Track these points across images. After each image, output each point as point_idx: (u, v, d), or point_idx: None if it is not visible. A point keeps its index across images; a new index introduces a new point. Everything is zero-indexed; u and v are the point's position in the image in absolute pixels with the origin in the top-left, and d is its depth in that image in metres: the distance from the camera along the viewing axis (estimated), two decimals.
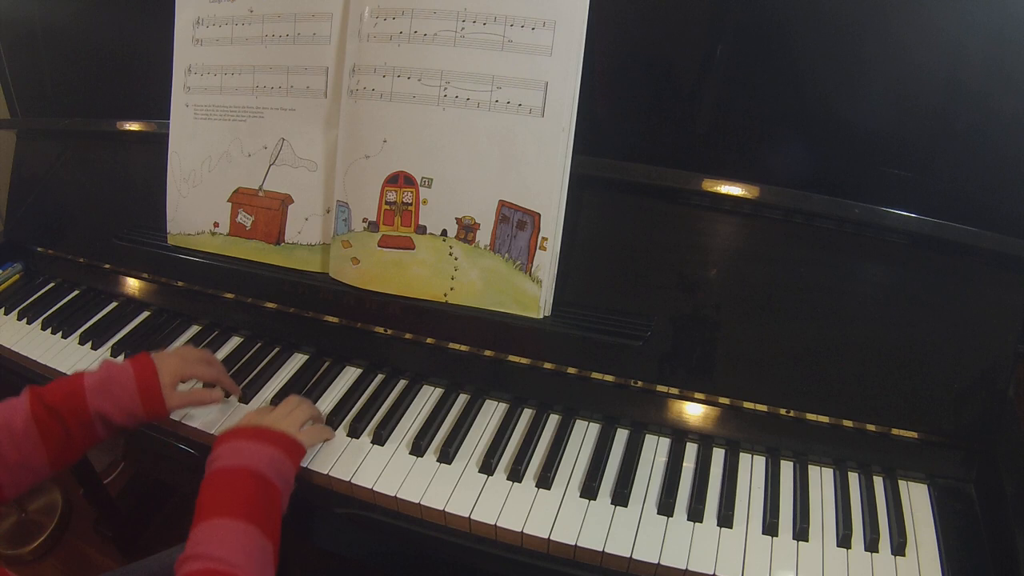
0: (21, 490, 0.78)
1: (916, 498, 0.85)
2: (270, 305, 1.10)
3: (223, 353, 1.10)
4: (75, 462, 0.84)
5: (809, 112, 0.87)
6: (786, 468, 0.88)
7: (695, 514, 0.82)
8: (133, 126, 1.19)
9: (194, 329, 1.15)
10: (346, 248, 0.98)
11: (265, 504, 0.75)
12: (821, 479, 0.87)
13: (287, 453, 0.82)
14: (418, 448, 0.90)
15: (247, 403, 1.00)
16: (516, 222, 0.91)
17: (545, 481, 0.85)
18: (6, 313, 1.23)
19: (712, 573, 0.76)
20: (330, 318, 1.06)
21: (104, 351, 1.11)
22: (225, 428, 0.94)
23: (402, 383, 1.02)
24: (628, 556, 0.78)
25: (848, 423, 0.88)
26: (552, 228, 0.90)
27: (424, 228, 0.94)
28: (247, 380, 1.03)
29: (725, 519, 0.81)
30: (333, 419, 0.95)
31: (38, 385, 0.82)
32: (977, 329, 0.84)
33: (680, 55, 0.90)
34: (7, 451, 0.76)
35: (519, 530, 0.80)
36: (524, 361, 0.97)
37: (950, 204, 0.84)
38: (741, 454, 0.90)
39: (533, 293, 0.91)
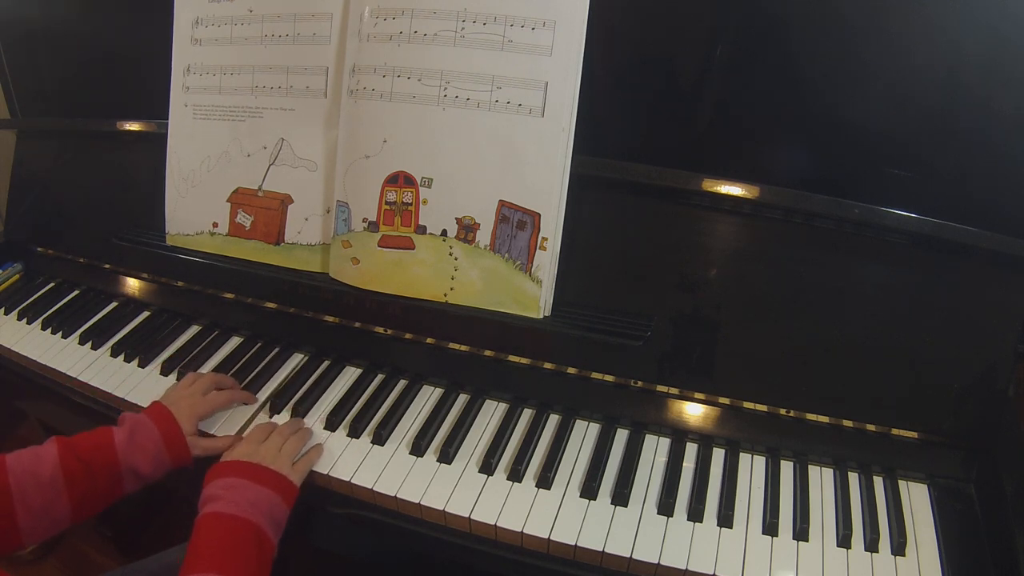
0: (38, 538, 0.78)
1: (916, 498, 0.85)
2: (270, 305, 1.10)
3: (223, 353, 1.10)
4: (95, 514, 0.84)
5: (809, 112, 0.87)
6: (786, 468, 0.88)
7: (695, 514, 0.82)
8: (132, 126, 1.19)
9: (194, 329, 1.15)
10: (346, 248, 0.98)
11: (257, 562, 0.75)
12: (821, 479, 0.87)
13: (283, 497, 0.82)
14: (418, 448, 0.90)
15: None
16: (516, 222, 0.91)
17: (545, 481, 0.85)
18: (6, 313, 1.23)
19: (712, 573, 0.76)
20: (330, 318, 1.06)
21: (104, 351, 1.11)
22: (223, 430, 0.95)
23: (402, 383, 1.02)
24: (628, 556, 0.78)
25: (848, 423, 0.88)
26: (552, 228, 0.90)
27: (424, 228, 0.94)
28: (247, 380, 1.03)
29: (725, 519, 0.81)
30: (333, 419, 0.95)
31: (64, 436, 0.82)
32: (977, 329, 0.84)
33: (680, 55, 0.90)
34: (32, 497, 0.76)
35: (519, 530, 0.80)
36: (524, 361, 0.97)
37: (950, 204, 0.84)
38: (741, 454, 0.90)
39: (533, 293, 0.91)
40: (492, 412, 0.97)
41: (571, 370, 0.96)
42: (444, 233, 0.93)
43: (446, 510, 0.83)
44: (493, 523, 0.81)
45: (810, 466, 0.89)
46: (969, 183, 0.84)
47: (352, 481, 0.87)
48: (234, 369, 1.05)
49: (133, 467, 0.83)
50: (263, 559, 0.76)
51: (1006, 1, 0.77)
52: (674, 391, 0.92)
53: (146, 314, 1.19)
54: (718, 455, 0.90)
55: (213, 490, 0.80)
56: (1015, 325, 0.84)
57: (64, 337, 1.15)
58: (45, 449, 0.80)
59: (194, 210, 1.10)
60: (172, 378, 1.05)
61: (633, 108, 0.93)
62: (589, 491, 0.84)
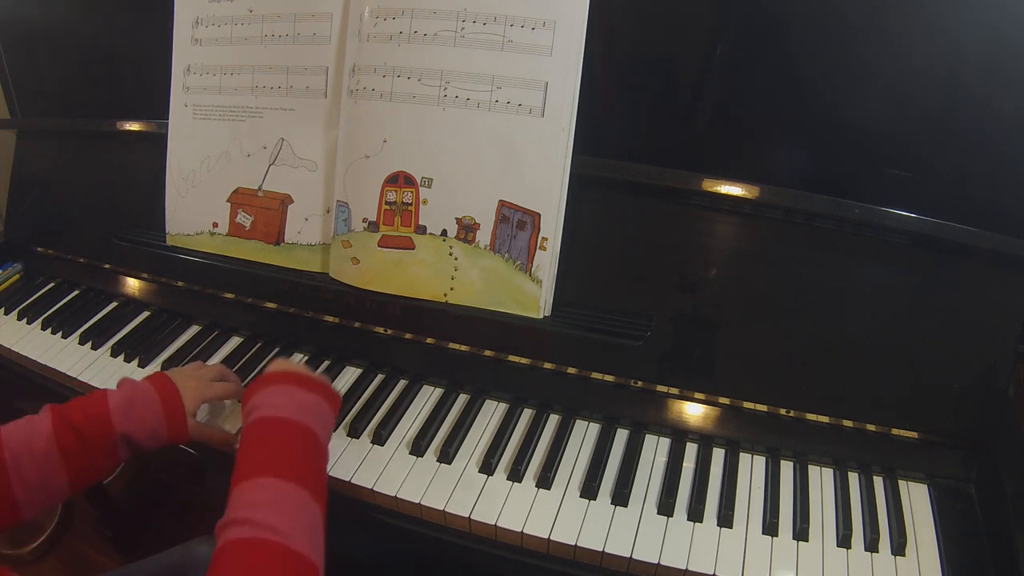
0: (37, 511, 0.76)
1: (916, 498, 0.85)
2: (270, 305, 1.10)
3: (223, 353, 1.10)
4: (93, 484, 0.81)
5: (809, 112, 0.87)
6: (786, 468, 0.88)
7: (695, 514, 0.82)
8: (132, 126, 1.19)
9: (194, 329, 1.15)
10: (346, 248, 0.98)
11: (314, 464, 0.72)
12: (821, 479, 0.87)
13: (330, 402, 0.80)
14: (418, 448, 0.90)
15: None
16: (516, 222, 0.91)
17: (545, 481, 0.85)
18: (6, 313, 1.23)
19: (712, 573, 0.76)
20: (330, 318, 1.06)
21: (104, 351, 1.11)
22: (225, 422, 0.95)
23: (402, 383, 1.02)
24: (628, 556, 0.78)
25: (848, 423, 0.88)
26: (552, 228, 0.90)
27: (424, 228, 0.94)
28: (247, 380, 1.02)
29: (725, 519, 0.81)
30: None
31: (58, 404, 0.80)
32: (977, 329, 0.84)
33: (680, 55, 0.90)
34: (28, 471, 0.74)
35: (519, 530, 0.80)
36: (524, 361, 0.97)
37: (950, 204, 0.84)
38: (741, 454, 0.90)
39: (533, 293, 0.91)
40: (492, 412, 0.97)
41: (571, 370, 0.96)
42: (444, 233, 0.93)
43: (446, 510, 0.83)
44: (493, 523, 0.81)
45: (810, 466, 0.89)
46: (969, 183, 0.84)
47: (352, 481, 0.87)
48: (234, 369, 1.05)
49: (128, 436, 0.80)
50: (320, 463, 0.72)
51: (1006, 1, 0.77)
52: (674, 391, 0.92)
53: (146, 314, 1.19)
54: (718, 455, 0.90)
55: (257, 400, 0.76)
56: (1015, 325, 0.84)
57: (64, 337, 1.15)
58: (40, 420, 0.77)
59: (194, 210, 1.10)
60: None
61: (633, 108, 0.93)
62: (589, 491, 0.84)
